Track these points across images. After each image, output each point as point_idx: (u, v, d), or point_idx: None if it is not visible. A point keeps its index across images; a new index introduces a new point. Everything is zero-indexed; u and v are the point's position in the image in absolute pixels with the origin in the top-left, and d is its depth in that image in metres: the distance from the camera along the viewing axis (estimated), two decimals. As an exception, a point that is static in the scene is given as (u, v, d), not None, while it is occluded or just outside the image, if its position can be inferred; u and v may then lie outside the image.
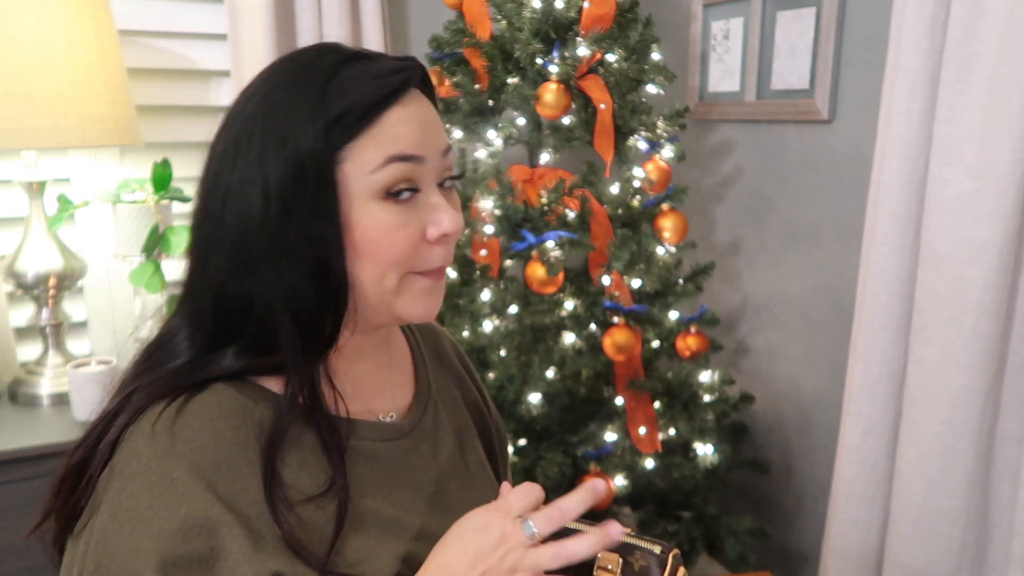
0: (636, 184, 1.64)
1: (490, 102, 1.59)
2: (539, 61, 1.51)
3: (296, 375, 0.64)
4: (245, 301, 0.63)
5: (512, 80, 1.55)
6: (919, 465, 1.34)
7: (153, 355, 0.67)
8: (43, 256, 1.52)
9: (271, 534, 0.59)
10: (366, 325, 0.68)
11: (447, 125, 1.59)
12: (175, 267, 1.57)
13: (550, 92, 1.48)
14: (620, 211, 1.62)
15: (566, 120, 1.61)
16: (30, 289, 1.53)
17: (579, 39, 1.53)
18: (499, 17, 1.57)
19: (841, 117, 1.65)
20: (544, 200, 1.55)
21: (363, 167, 0.61)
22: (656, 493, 1.72)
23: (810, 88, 1.68)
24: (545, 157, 1.67)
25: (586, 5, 1.53)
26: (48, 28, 1.32)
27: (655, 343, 1.68)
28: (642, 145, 1.64)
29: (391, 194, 0.62)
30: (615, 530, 0.61)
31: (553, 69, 1.49)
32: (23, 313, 1.64)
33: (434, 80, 1.62)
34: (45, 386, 1.56)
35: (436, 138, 0.65)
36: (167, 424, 0.60)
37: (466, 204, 1.60)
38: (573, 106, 1.53)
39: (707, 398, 1.70)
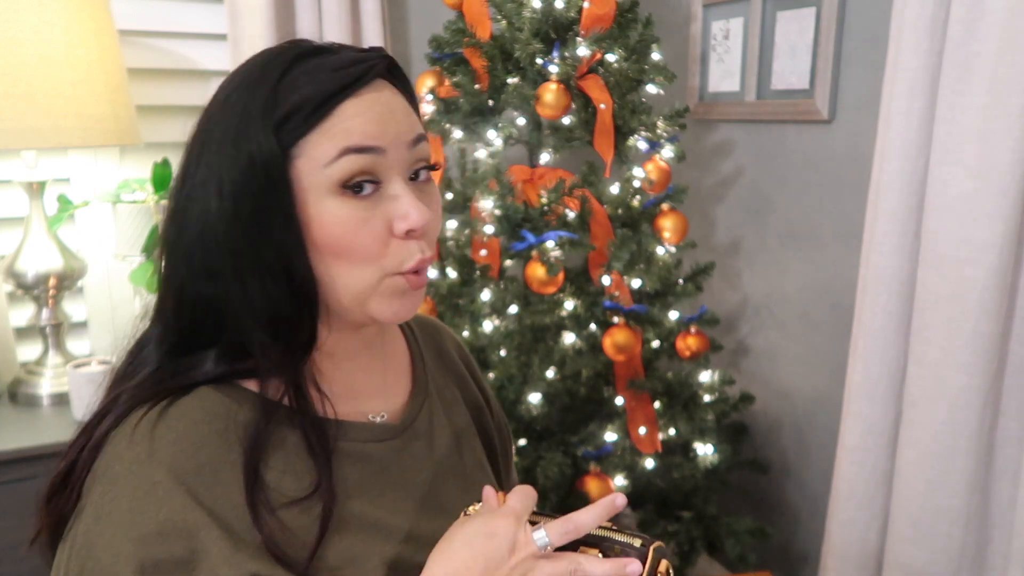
0: (636, 184, 1.64)
1: (490, 102, 1.59)
2: (539, 61, 1.51)
3: (269, 378, 0.64)
4: (207, 304, 0.63)
5: (512, 80, 1.55)
6: (919, 465, 1.34)
7: (134, 359, 0.67)
8: (43, 256, 1.52)
9: (252, 538, 0.59)
10: (345, 324, 0.67)
11: (447, 125, 1.59)
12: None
13: (550, 92, 1.48)
14: (620, 211, 1.62)
15: (566, 120, 1.61)
16: (30, 289, 1.53)
17: (579, 39, 1.53)
18: (499, 17, 1.56)
19: (841, 117, 1.65)
20: (544, 200, 1.55)
21: (317, 161, 0.60)
22: (656, 493, 1.72)
23: (810, 88, 1.68)
24: (545, 157, 1.67)
25: (586, 5, 1.53)
26: (48, 28, 1.32)
27: (655, 343, 1.68)
28: (642, 145, 1.64)
29: (348, 188, 0.61)
30: (633, 568, 0.59)
31: (553, 69, 1.49)
32: (23, 313, 1.64)
33: (434, 80, 1.66)
34: (45, 386, 1.56)
35: (399, 128, 0.63)
36: (148, 428, 0.60)
37: (466, 204, 1.60)
38: (573, 106, 1.53)
39: (707, 398, 1.70)
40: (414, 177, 0.66)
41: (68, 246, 1.57)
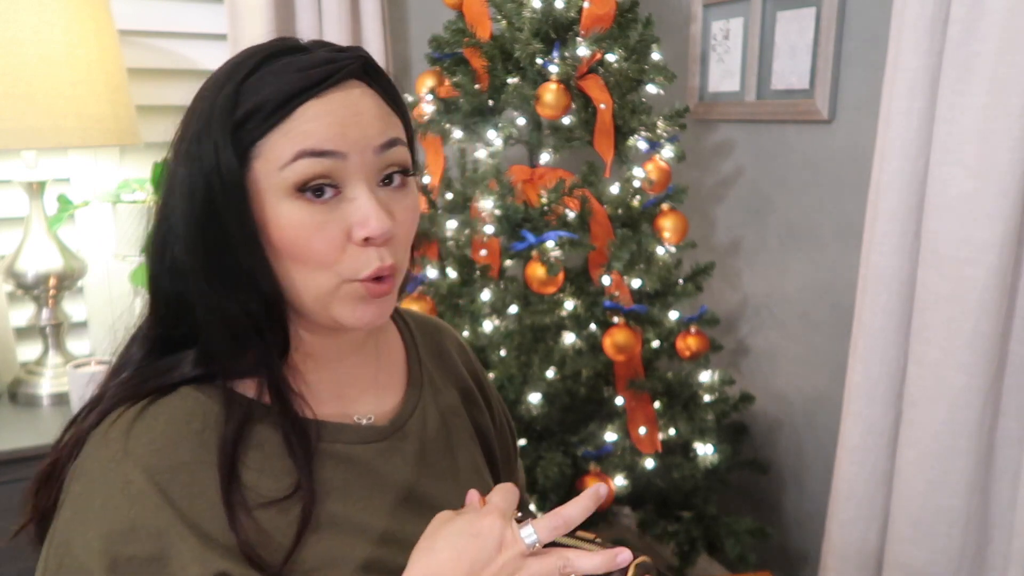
0: (636, 184, 1.64)
1: (490, 102, 1.59)
2: (539, 61, 1.51)
3: (243, 378, 0.64)
4: (179, 301, 0.63)
5: (512, 80, 1.55)
6: (919, 465, 1.34)
7: (124, 356, 0.67)
8: (43, 256, 1.52)
9: (226, 539, 0.58)
10: (320, 328, 0.67)
11: (447, 125, 1.59)
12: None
13: (550, 92, 1.48)
14: (620, 211, 1.62)
15: (566, 120, 1.61)
16: (30, 289, 1.53)
17: (579, 39, 1.53)
18: (499, 17, 1.56)
19: (841, 117, 1.65)
20: (544, 200, 1.55)
21: (273, 164, 0.59)
22: (656, 493, 1.72)
23: (810, 88, 1.68)
24: (545, 157, 1.67)
25: (586, 5, 1.53)
26: (48, 28, 1.32)
27: (655, 343, 1.68)
28: (642, 145, 1.64)
29: (304, 191, 0.60)
30: (623, 557, 0.59)
31: (553, 69, 1.49)
32: (23, 313, 1.64)
33: (434, 80, 1.66)
34: (45, 386, 1.56)
35: (366, 132, 0.61)
36: (124, 427, 0.60)
37: (466, 204, 1.60)
38: (573, 106, 1.53)
39: (707, 398, 1.70)
40: (388, 181, 0.64)
41: (68, 246, 1.57)
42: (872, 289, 1.40)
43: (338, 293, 0.63)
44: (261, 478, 0.62)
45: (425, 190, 1.65)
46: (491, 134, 1.57)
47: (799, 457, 1.87)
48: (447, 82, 1.62)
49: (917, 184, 1.32)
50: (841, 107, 1.64)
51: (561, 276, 1.50)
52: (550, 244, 1.48)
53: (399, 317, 0.84)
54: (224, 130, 0.59)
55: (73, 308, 1.67)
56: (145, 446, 0.59)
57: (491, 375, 1.56)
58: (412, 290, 1.58)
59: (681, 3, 2.02)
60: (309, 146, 0.59)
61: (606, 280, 1.58)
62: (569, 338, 1.60)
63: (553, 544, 0.60)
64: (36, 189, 1.51)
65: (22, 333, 1.67)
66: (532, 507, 1.55)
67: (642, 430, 1.60)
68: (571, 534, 0.62)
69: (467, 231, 1.55)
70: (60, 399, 1.55)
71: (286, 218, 0.60)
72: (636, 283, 1.60)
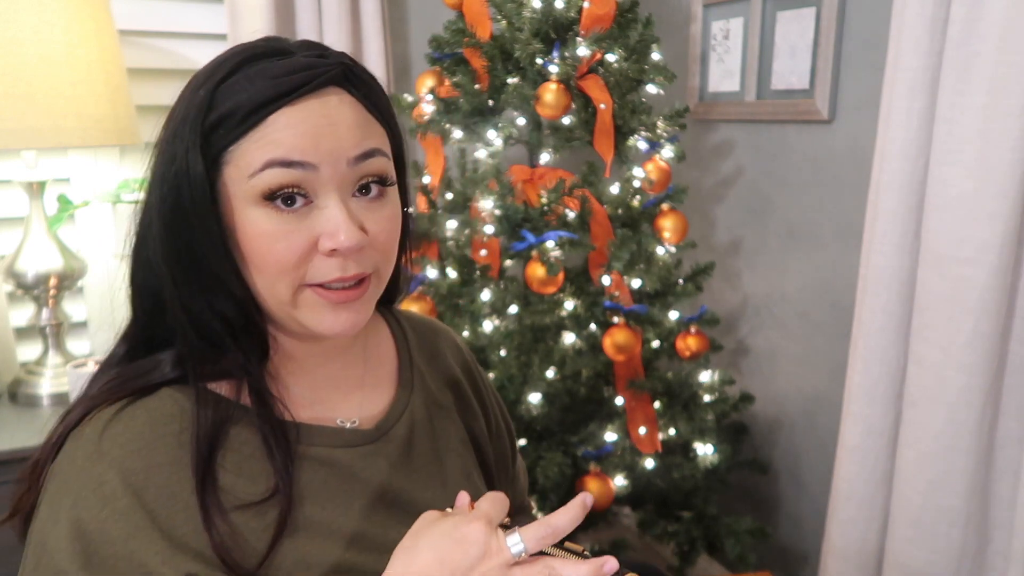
0: (636, 184, 1.64)
1: (490, 102, 1.59)
2: (539, 61, 1.51)
3: (218, 379, 0.64)
4: (155, 300, 0.63)
5: (512, 80, 1.55)
6: (919, 465, 1.34)
7: (110, 355, 0.68)
8: (43, 256, 1.52)
9: (198, 542, 0.58)
10: (297, 333, 0.66)
11: (447, 125, 1.59)
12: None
13: (550, 92, 1.48)
14: (620, 211, 1.62)
15: (566, 120, 1.61)
16: (30, 289, 1.53)
17: (579, 39, 1.53)
18: (499, 17, 1.56)
19: (841, 117, 1.65)
20: (544, 200, 1.55)
21: (243, 171, 0.59)
22: (656, 493, 1.72)
23: (810, 88, 1.68)
24: (545, 157, 1.67)
25: (586, 5, 1.53)
26: (48, 28, 1.32)
27: (655, 343, 1.68)
28: (642, 145, 1.64)
29: (273, 200, 0.59)
30: (610, 566, 0.57)
31: (553, 69, 1.49)
32: (23, 313, 1.64)
33: (434, 80, 1.66)
34: (45, 386, 1.56)
35: (340, 143, 0.60)
36: (99, 427, 0.60)
37: (466, 204, 1.60)
38: (573, 106, 1.53)
39: (707, 398, 1.70)
40: (366, 191, 0.63)
41: (68, 246, 1.57)
42: (872, 289, 1.40)
43: (298, 301, 0.62)
44: (238, 481, 0.62)
45: (425, 190, 1.65)
46: (491, 134, 1.57)
47: (799, 457, 1.87)
48: (447, 82, 1.62)
49: (917, 184, 1.32)
50: (841, 107, 1.64)
51: (561, 276, 1.50)
52: (550, 244, 1.48)
53: (394, 319, 0.83)
54: (195, 133, 0.58)
55: (73, 308, 1.68)
56: (121, 447, 0.59)
57: (491, 375, 1.56)
58: (412, 290, 1.58)
59: (681, 3, 2.02)
60: (279, 156, 0.58)
61: (606, 280, 1.58)
62: (569, 338, 1.60)
63: (540, 554, 0.59)
64: (36, 189, 1.51)
65: (22, 333, 1.67)
66: (533, 508, 1.55)
67: (642, 430, 1.60)
68: (559, 544, 0.61)
69: (467, 231, 1.55)
70: (60, 399, 1.55)
71: (253, 225, 0.59)
72: (636, 283, 1.60)
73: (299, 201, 0.60)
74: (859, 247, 1.48)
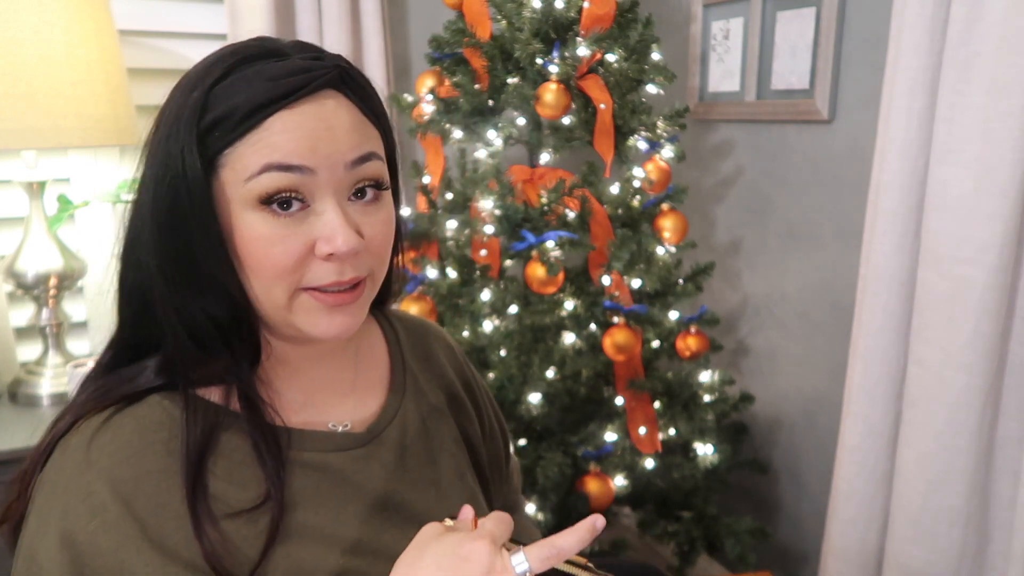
0: (636, 184, 1.64)
1: (490, 102, 1.59)
2: (539, 61, 1.51)
3: (207, 385, 0.63)
4: (142, 303, 0.62)
5: (512, 80, 1.55)
6: (919, 465, 1.34)
7: (98, 361, 0.67)
8: (43, 256, 1.52)
9: (189, 551, 0.57)
10: (289, 336, 0.66)
11: (447, 125, 1.59)
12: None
13: (550, 92, 1.48)
14: (620, 211, 1.62)
15: (566, 120, 1.61)
16: (30, 289, 1.53)
17: (579, 39, 1.53)
18: (499, 17, 1.56)
19: (841, 117, 1.65)
20: (544, 200, 1.55)
21: (240, 174, 0.58)
22: (656, 493, 1.72)
23: (810, 88, 1.68)
24: (545, 157, 1.67)
25: (586, 5, 1.53)
26: (48, 28, 1.32)
27: (655, 343, 1.68)
28: (642, 145, 1.64)
29: (270, 204, 0.58)
30: None
31: (553, 69, 1.49)
32: (23, 313, 1.64)
33: (434, 80, 1.66)
34: (45, 386, 1.56)
35: (338, 147, 0.60)
36: (88, 436, 0.59)
37: (466, 204, 1.60)
38: (573, 106, 1.53)
39: (707, 398, 1.70)
40: (361, 194, 0.63)
41: (68, 246, 1.57)
42: (872, 289, 1.40)
43: (294, 305, 0.62)
44: (229, 488, 0.61)
45: (425, 190, 1.65)
46: (491, 134, 1.57)
47: (799, 457, 1.87)
48: (447, 82, 1.62)
49: (917, 184, 1.32)
50: (841, 107, 1.64)
51: (561, 276, 1.50)
52: (550, 244, 1.48)
53: (385, 320, 0.83)
54: (191, 136, 0.58)
55: (73, 308, 1.68)
56: (109, 456, 0.58)
57: (491, 375, 1.56)
58: (412, 290, 1.58)
59: (681, 3, 2.02)
60: (276, 160, 0.58)
61: (606, 280, 1.58)
62: (569, 338, 1.60)
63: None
64: (36, 189, 1.51)
65: (22, 333, 1.67)
66: (533, 508, 1.55)
67: (642, 430, 1.60)
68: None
69: (467, 231, 1.55)
70: (60, 399, 1.55)
71: (249, 229, 0.59)
72: (636, 283, 1.60)
73: (295, 205, 0.59)
74: (859, 247, 1.48)
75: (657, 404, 1.65)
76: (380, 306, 0.82)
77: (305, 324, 0.62)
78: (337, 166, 0.60)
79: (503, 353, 1.56)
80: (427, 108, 1.60)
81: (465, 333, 1.56)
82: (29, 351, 1.67)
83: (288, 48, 0.62)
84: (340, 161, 0.60)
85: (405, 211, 1.67)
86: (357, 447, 0.69)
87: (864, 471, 1.45)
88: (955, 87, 1.23)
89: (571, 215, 1.57)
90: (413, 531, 0.61)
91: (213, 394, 0.64)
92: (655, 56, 1.60)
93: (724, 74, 1.91)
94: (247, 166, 0.58)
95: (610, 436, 1.62)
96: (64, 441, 0.61)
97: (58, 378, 1.57)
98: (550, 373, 1.57)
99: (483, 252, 1.56)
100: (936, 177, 1.27)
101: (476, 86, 1.57)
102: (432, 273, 1.60)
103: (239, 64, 0.59)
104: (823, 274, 1.74)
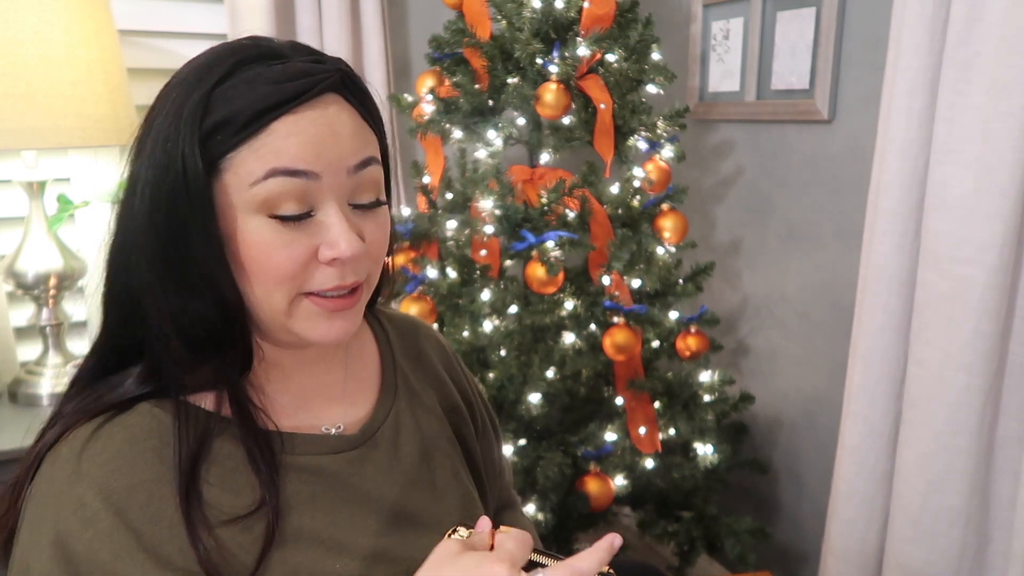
0: (636, 184, 1.64)
1: (490, 102, 1.59)
2: (539, 61, 1.51)
3: (199, 391, 0.62)
4: (131, 310, 0.61)
5: (512, 80, 1.55)
6: (919, 465, 1.34)
7: (80, 368, 0.66)
8: (43, 256, 1.52)
9: (184, 560, 0.57)
10: (282, 340, 0.65)
11: (447, 125, 1.59)
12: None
13: (550, 92, 1.48)
14: (620, 211, 1.62)
15: (566, 120, 1.61)
16: (30, 289, 1.53)
17: (579, 39, 1.53)
18: (499, 17, 1.57)
19: (841, 117, 1.65)
20: (544, 200, 1.55)
21: (244, 179, 0.57)
22: (656, 493, 1.72)
23: (810, 88, 1.68)
24: (545, 157, 1.67)
25: (586, 5, 1.53)
26: (48, 28, 1.32)
27: (655, 343, 1.68)
28: (642, 145, 1.64)
29: (275, 217, 0.58)
30: None
31: (553, 69, 1.49)
32: (23, 313, 1.64)
33: (434, 80, 1.66)
34: (45, 386, 1.56)
35: (341, 152, 0.59)
36: (77, 447, 0.59)
37: (466, 204, 1.60)
38: (573, 106, 1.53)
39: (707, 398, 1.70)
40: (366, 204, 0.63)
41: (68, 246, 1.57)
42: (872, 289, 1.40)
43: (294, 310, 0.61)
44: (223, 495, 0.60)
45: (425, 190, 1.65)
46: (491, 134, 1.57)
47: (799, 457, 1.87)
48: (447, 82, 1.63)
49: (917, 184, 1.32)
50: (841, 107, 1.64)
51: (561, 276, 1.50)
52: (550, 244, 1.48)
53: (376, 321, 0.83)
54: (192, 139, 0.57)
55: (73, 308, 1.67)
56: (100, 466, 0.58)
57: (491, 375, 1.56)
58: (412, 290, 1.58)
59: (681, 3, 2.02)
60: (282, 165, 0.57)
61: (606, 280, 1.58)
62: (569, 338, 1.60)
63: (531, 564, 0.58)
64: (36, 189, 1.51)
65: (22, 333, 1.67)
66: (533, 508, 1.55)
67: (642, 430, 1.60)
68: None
69: (467, 231, 1.55)
70: (60, 399, 1.55)
71: (252, 234, 0.58)
72: (636, 283, 1.60)
73: (300, 211, 0.59)
74: (859, 247, 1.48)
75: (657, 404, 1.65)
76: (370, 306, 0.82)
77: (304, 329, 0.62)
78: (340, 171, 0.60)
79: (503, 353, 1.56)
80: (427, 108, 1.60)
81: (465, 333, 1.56)
82: (29, 351, 1.67)
83: (286, 49, 0.61)
84: (343, 166, 0.60)
85: (405, 211, 1.68)
86: (351, 449, 0.69)
87: (864, 471, 1.45)
88: (955, 87, 1.23)
89: (571, 215, 1.57)
90: (410, 532, 0.61)
91: (203, 400, 0.63)
92: (655, 56, 1.60)
93: (724, 74, 1.91)
94: (251, 171, 0.57)
95: (610, 436, 1.62)
96: (53, 452, 0.60)
97: (58, 378, 1.57)
98: (550, 373, 1.57)
99: (483, 252, 1.56)
100: (936, 177, 1.27)
101: (476, 86, 1.57)
102: (432, 273, 1.60)
103: (239, 66, 0.59)
104: (823, 274, 1.74)
